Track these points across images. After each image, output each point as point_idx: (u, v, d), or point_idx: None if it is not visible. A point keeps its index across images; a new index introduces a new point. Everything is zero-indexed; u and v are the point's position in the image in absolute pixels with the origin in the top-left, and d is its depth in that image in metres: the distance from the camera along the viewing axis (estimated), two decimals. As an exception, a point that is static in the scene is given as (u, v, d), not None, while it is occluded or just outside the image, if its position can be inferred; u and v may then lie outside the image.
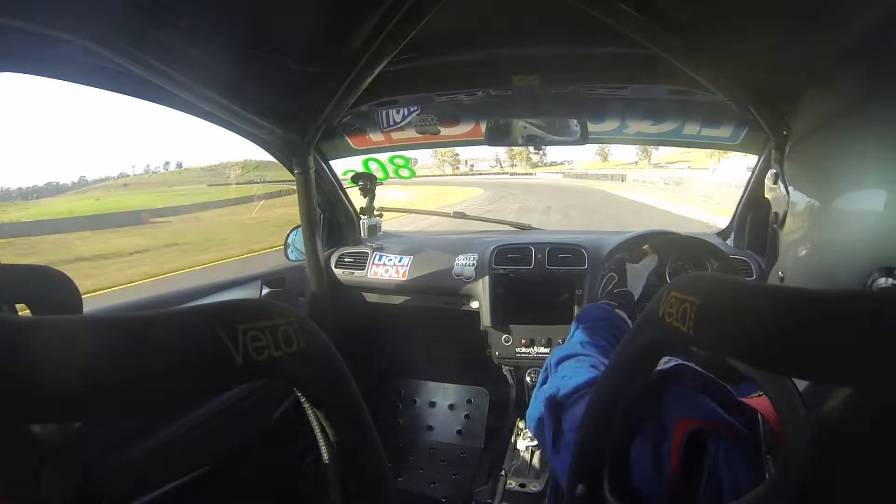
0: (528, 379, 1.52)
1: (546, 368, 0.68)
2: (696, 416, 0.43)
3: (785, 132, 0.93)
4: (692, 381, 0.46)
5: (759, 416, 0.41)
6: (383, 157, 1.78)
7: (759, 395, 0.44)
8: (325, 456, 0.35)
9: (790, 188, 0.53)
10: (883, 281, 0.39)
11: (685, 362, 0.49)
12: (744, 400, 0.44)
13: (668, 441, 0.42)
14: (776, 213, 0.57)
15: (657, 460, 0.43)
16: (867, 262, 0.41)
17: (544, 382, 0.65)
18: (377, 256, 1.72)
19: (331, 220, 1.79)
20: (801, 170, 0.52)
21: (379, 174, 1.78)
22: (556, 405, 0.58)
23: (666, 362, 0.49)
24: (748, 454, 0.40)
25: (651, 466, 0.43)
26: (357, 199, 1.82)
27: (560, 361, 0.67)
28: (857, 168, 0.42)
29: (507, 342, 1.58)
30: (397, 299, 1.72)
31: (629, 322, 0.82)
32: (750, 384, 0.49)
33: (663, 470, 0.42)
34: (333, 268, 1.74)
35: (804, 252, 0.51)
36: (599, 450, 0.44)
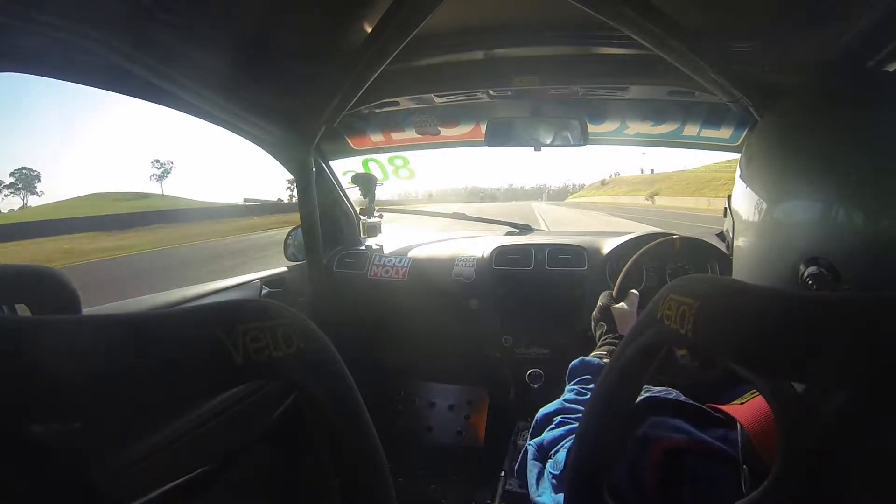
0: (527, 379, 1.51)
1: (535, 423, 0.73)
2: (670, 436, 0.44)
3: None
4: (665, 408, 0.49)
5: (738, 427, 0.41)
6: (383, 157, 1.78)
7: (746, 401, 0.44)
8: (325, 456, 0.35)
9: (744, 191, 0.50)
10: (814, 269, 0.40)
11: (656, 394, 0.52)
12: (727, 408, 0.45)
13: (645, 463, 0.45)
14: (727, 231, 0.54)
15: (634, 481, 0.45)
16: (797, 257, 0.42)
17: (533, 436, 0.71)
18: (377, 257, 1.72)
19: (331, 220, 1.79)
20: (758, 170, 0.49)
21: (379, 175, 1.78)
22: (543, 453, 0.66)
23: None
24: (725, 467, 0.41)
25: (629, 486, 0.45)
26: (357, 200, 1.82)
27: (546, 416, 0.72)
28: (810, 168, 0.41)
29: (507, 343, 1.57)
30: (397, 300, 1.71)
31: None
32: (747, 386, 0.49)
33: (642, 489, 0.45)
34: (333, 268, 1.73)
35: (749, 258, 0.49)
36: (597, 452, 0.44)
